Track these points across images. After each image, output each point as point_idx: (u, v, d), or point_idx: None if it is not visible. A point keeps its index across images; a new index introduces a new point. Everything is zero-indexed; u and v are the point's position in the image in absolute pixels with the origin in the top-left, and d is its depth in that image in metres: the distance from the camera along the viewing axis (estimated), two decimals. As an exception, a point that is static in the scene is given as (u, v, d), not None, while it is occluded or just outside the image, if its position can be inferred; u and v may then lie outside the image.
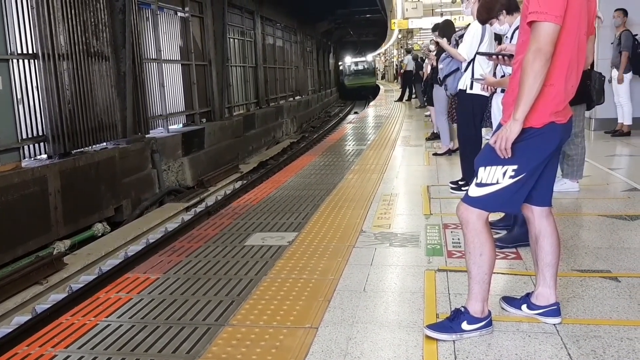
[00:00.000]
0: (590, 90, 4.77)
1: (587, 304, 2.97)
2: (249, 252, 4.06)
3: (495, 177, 2.54)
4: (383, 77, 57.05)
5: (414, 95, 20.13)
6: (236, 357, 2.59)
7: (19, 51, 8.32)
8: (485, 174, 2.56)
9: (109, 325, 2.99)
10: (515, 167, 2.51)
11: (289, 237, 4.37)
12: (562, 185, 5.31)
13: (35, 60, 8.53)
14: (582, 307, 2.94)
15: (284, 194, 5.96)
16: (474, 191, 2.60)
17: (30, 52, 8.49)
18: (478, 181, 2.59)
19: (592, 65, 5.04)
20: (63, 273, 7.16)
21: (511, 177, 2.52)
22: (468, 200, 2.62)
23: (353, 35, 51.30)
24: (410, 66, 19.65)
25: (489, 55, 3.69)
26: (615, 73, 8.66)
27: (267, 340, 2.72)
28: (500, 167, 2.52)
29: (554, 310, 2.75)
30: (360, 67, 49.41)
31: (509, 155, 2.48)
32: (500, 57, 3.27)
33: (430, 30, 10.32)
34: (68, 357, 2.67)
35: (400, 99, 20.85)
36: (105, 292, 3.46)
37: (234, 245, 4.24)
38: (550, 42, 2.34)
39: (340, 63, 55.30)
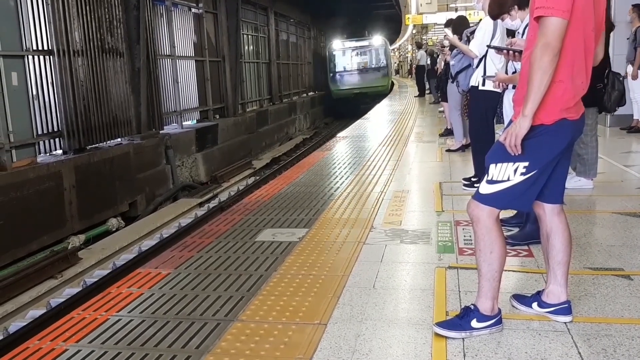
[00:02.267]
0: (604, 94, 4.68)
1: (599, 303, 2.94)
2: (260, 248, 4.07)
3: (506, 174, 2.52)
4: (397, 72, 49.82)
5: (427, 91, 20.02)
6: (245, 352, 2.60)
7: (34, 47, 8.40)
8: (496, 170, 2.54)
9: (119, 320, 3.01)
10: (526, 164, 2.49)
11: (300, 233, 4.38)
12: (577, 182, 5.26)
13: (51, 57, 8.61)
14: (594, 306, 2.91)
15: (296, 190, 5.97)
16: (484, 188, 2.58)
17: (45, 48, 8.57)
18: (489, 178, 2.57)
19: (610, 64, 4.94)
20: (77, 267, 7.24)
21: (522, 174, 2.50)
22: (479, 197, 2.60)
23: (367, 31, 39.86)
24: (423, 61, 19.57)
25: (499, 49, 3.64)
26: (630, 69, 8.56)
27: (276, 336, 2.73)
28: (512, 164, 2.50)
29: (565, 309, 2.73)
30: (362, 57, 28.20)
31: (519, 152, 2.46)
32: (510, 52, 3.23)
33: (444, 26, 10.26)
34: (79, 351, 2.70)
35: (422, 94, 20.65)
36: (117, 287, 3.49)
37: (244, 241, 4.26)
38: (558, 37, 2.32)
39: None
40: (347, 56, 28.25)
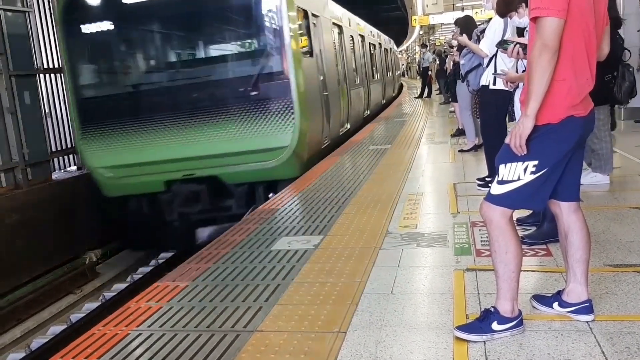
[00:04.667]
0: (614, 85, 4.63)
1: (621, 300, 2.90)
2: (276, 257, 4.07)
3: (516, 174, 2.51)
4: (404, 75, 48.39)
5: (437, 91, 19.99)
6: (265, 363, 2.60)
7: (45, 66, 8.49)
8: (506, 170, 2.54)
9: (140, 334, 3.02)
10: (535, 162, 2.48)
11: (315, 240, 4.37)
12: (592, 178, 5.21)
13: (61, 74, 8.69)
14: (616, 303, 2.87)
15: (309, 196, 5.96)
16: (495, 189, 2.58)
17: (55, 66, 8.66)
18: (499, 179, 2.57)
19: (620, 57, 4.89)
20: (96, 282, 7.30)
21: (532, 172, 2.49)
22: (490, 198, 2.59)
23: None
24: (427, 62, 19.59)
25: (503, 46, 3.56)
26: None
27: (296, 346, 2.72)
28: (521, 163, 2.49)
29: (586, 308, 2.70)
30: (178, 49, 7.80)
31: (524, 152, 2.45)
32: (515, 49, 3.21)
33: (451, 25, 10.24)
34: (101, 367, 2.71)
35: (420, 96, 20.74)
36: (136, 302, 3.50)
37: (260, 251, 4.26)
38: (555, 37, 2.32)
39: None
40: (131, 42, 7.90)
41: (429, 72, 20.74)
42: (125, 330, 3.09)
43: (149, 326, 3.12)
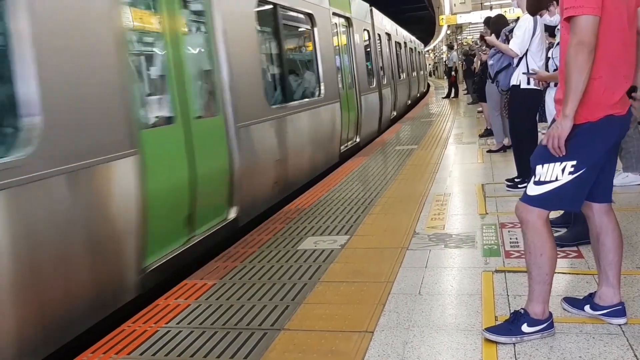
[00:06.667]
0: None
1: (655, 304, 2.84)
2: (302, 256, 4.08)
3: (554, 174, 2.47)
4: (431, 74, 47.34)
5: (465, 92, 19.83)
6: (293, 362, 2.61)
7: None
8: (543, 171, 2.49)
9: (169, 331, 3.06)
10: (574, 162, 2.43)
11: (341, 240, 4.37)
12: (625, 179, 5.12)
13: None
14: (650, 307, 2.81)
15: (335, 196, 5.96)
16: (532, 190, 2.54)
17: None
18: (536, 179, 2.52)
19: None
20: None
21: (570, 173, 2.44)
22: (527, 199, 2.55)
23: None
24: (450, 62, 19.48)
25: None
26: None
27: (323, 345, 2.73)
28: (559, 163, 2.45)
29: (619, 310, 2.65)
30: None
31: (563, 154, 2.41)
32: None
33: (479, 24, 10.12)
34: (131, 363, 2.75)
35: (447, 96, 20.64)
36: (165, 299, 3.54)
37: (287, 250, 4.27)
38: (591, 34, 2.27)
39: None
40: None
41: (452, 73, 20.62)
42: (154, 327, 3.12)
43: (177, 323, 3.15)
